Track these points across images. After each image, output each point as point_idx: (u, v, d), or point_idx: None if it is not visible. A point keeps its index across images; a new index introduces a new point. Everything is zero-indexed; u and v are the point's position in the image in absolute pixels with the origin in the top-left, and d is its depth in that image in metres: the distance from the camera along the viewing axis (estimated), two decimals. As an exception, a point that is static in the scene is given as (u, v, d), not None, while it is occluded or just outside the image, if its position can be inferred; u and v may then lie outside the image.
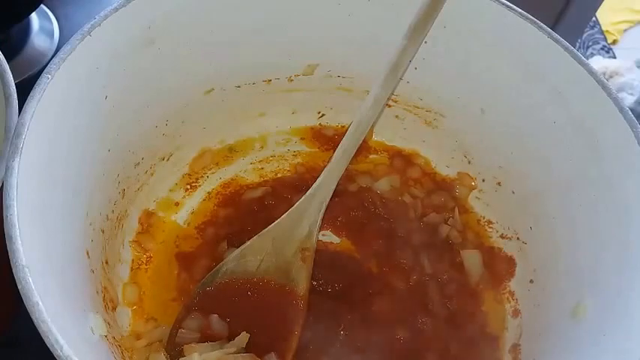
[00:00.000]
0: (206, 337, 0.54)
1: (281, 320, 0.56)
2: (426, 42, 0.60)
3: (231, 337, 0.54)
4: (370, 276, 0.62)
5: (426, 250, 0.64)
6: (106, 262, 0.56)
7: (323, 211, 0.58)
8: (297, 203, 0.58)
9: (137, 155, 0.61)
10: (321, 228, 0.60)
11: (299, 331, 0.55)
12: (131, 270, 0.61)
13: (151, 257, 0.62)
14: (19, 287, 0.37)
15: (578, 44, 1.59)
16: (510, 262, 0.64)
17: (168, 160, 0.65)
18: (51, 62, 0.45)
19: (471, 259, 0.64)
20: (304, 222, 0.58)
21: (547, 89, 0.55)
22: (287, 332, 0.55)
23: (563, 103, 0.54)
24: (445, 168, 0.70)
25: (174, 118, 0.62)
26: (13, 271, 0.37)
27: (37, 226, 0.41)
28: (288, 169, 0.70)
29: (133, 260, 0.61)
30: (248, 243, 0.59)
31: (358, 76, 0.66)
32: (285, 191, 0.67)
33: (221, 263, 0.59)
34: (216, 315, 0.55)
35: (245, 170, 0.70)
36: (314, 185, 0.58)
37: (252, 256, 0.58)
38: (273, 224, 0.59)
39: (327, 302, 0.59)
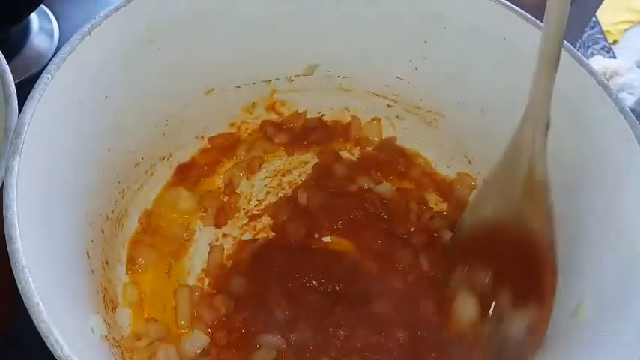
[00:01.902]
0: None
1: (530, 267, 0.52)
2: (425, 42, 0.60)
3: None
4: (370, 276, 0.62)
5: (426, 251, 0.64)
6: (106, 262, 0.56)
7: (543, 135, 0.50)
8: (511, 139, 0.52)
9: (137, 155, 0.61)
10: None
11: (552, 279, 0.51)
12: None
13: (151, 257, 0.62)
14: (19, 287, 0.37)
15: (578, 44, 1.58)
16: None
17: (168, 160, 0.65)
18: (51, 62, 0.46)
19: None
20: (522, 157, 0.52)
21: (547, 89, 0.55)
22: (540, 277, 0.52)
23: (563, 103, 0.54)
24: (445, 168, 0.70)
25: (174, 118, 0.62)
26: (14, 271, 0.37)
27: (37, 226, 0.42)
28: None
29: (133, 260, 0.61)
30: (477, 194, 0.57)
31: (359, 76, 0.66)
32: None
33: (461, 218, 0.59)
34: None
35: (245, 170, 0.70)
36: (524, 112, 0.51)
37: (485, 206, 0.56)
38: (491, 172, 0.55)
39: (327, 302, 0.59)
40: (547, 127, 0.49)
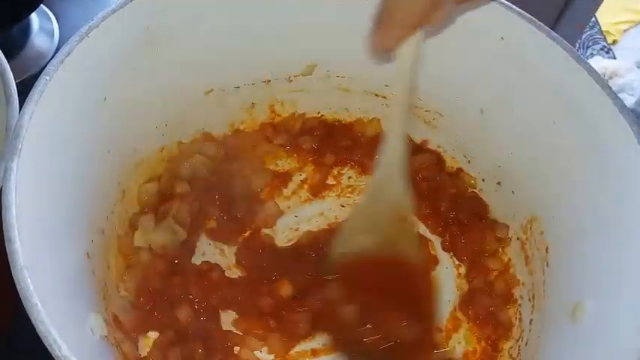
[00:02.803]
0: None
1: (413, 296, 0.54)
2: (424, 42, 0.60)
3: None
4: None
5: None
6: (107, 263, 0.56)
7: (402, 177, 0.52)
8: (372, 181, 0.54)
9: (137, 156, 0.61)
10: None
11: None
12: (131, 270, 0.61)
13: (150, 257, 0.62)
14: (18, 288, 0.37)
15: (577, 44, 1.58)
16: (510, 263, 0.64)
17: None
18: (49, 64, 0.46)
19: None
20: (385, 197, 0.53)
21: (546, 89, 0.55)
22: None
23: (562, 103, 0.54)
24: (445, 168, 0.70)
25: (174, 119, 0.62)
26: (12, 272, 0.37)
27: (37, 227, 0.42)
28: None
29: (133, 261, 0.61)
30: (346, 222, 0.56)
31: (358, 76, 0.66)
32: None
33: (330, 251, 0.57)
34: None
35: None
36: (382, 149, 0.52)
37: (355, 235, 0.56)
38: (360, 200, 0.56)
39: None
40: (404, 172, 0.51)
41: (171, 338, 0.55)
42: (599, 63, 1.57)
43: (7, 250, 0.38)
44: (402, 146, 0.51)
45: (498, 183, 0.65)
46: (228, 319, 0.58)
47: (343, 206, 0.67)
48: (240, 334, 0.57)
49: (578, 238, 0.54)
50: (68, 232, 0.48)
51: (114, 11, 0.50)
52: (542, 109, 0.56)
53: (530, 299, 0.60)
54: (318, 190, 0.68)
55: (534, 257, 0.60)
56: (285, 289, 0.59)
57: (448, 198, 0.66)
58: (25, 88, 0.46)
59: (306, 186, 0.68)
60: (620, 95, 0.50)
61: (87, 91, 0.50)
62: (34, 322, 0.36)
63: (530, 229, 0.61)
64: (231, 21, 0.58)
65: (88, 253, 0.51)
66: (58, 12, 0.85)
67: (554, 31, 0.54)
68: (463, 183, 0.67)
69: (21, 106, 0.44)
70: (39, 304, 0.37)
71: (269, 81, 0.66)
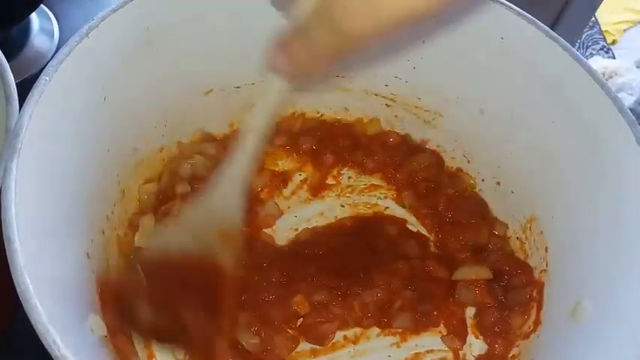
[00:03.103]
0: None
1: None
2: (424, 42, 0.60)
3: None
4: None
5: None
6: (107, 263, 0.56)
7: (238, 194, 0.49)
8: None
9: (137, 156, 0.61)
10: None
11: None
12: (131, 270, 0.61)
13: (150, 258, 0.62)
14: (18, 289, 0.37)
15: (577, 44, 1.58)
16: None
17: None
18: (49, 64, 0.45)
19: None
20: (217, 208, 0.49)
21: (546, 89, 0.55)
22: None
23: (562, 103, 0.54)
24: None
25: (174, 119, 0.62)
26: (12, 272, 0.37)
27: (36, 227, 0.41)
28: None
29: (133, 261, 0.61)
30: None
31: (358, 76, 0.66)
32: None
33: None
34: None
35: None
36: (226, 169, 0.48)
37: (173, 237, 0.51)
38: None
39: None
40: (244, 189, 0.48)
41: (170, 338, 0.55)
42: (598, 63, 1.57)
43: (7, 250, 0.38)
44: (250, 160, 0.47)
45: (498, 183, 0.65)
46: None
47: (343, 206, 0.67)
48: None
49: (578, 238, 0.54)
50: (68, 232, 0.48)
51: (114, 11, 0.50)
52: (542, 109, 0.56)
53: (530, 299, 0.60)
54: (317, 190, 0.68)
55: (534, 257, 0.60)
56: (303, 307, 0.58)
57: (446, 198, 0.66)
58: (24, 89, 0.45)
59: (305, 186, 0.68)
60: (620, 95, 0.51)
61: (87, 91, 0.50)
62: (33, 322, 0.36)
63: (530, 229, 0.61)
64: (231, 21, 0.58)
65: (88, 253, 0.51)
66: (58, 12, 0.85)
67: (553, 30, 0.54)
68: (462, 183, 0.68)
69: (21, 106, 0.44)
70: (39, 305, 0.36)
71: (269, 81, 0.66)
